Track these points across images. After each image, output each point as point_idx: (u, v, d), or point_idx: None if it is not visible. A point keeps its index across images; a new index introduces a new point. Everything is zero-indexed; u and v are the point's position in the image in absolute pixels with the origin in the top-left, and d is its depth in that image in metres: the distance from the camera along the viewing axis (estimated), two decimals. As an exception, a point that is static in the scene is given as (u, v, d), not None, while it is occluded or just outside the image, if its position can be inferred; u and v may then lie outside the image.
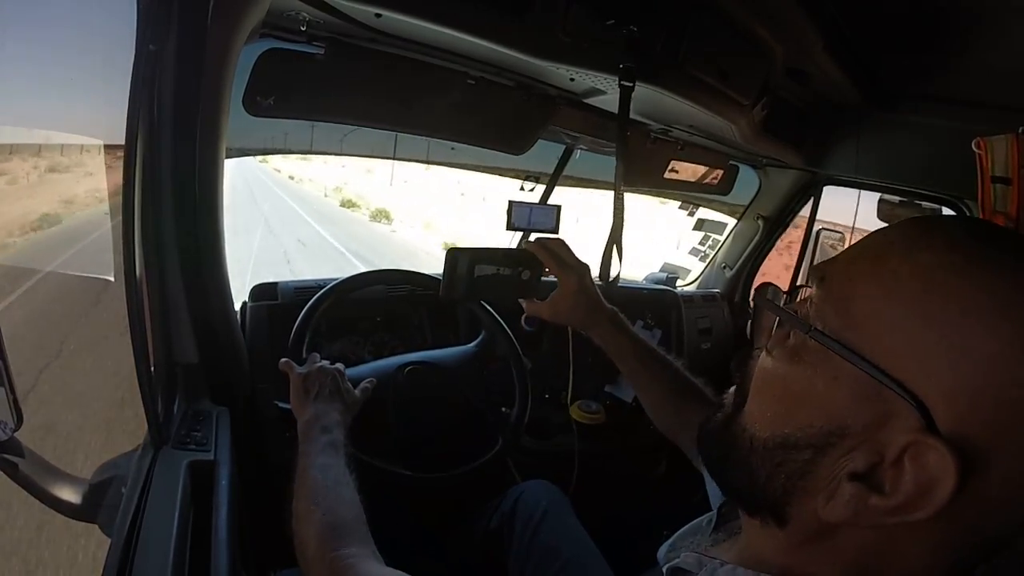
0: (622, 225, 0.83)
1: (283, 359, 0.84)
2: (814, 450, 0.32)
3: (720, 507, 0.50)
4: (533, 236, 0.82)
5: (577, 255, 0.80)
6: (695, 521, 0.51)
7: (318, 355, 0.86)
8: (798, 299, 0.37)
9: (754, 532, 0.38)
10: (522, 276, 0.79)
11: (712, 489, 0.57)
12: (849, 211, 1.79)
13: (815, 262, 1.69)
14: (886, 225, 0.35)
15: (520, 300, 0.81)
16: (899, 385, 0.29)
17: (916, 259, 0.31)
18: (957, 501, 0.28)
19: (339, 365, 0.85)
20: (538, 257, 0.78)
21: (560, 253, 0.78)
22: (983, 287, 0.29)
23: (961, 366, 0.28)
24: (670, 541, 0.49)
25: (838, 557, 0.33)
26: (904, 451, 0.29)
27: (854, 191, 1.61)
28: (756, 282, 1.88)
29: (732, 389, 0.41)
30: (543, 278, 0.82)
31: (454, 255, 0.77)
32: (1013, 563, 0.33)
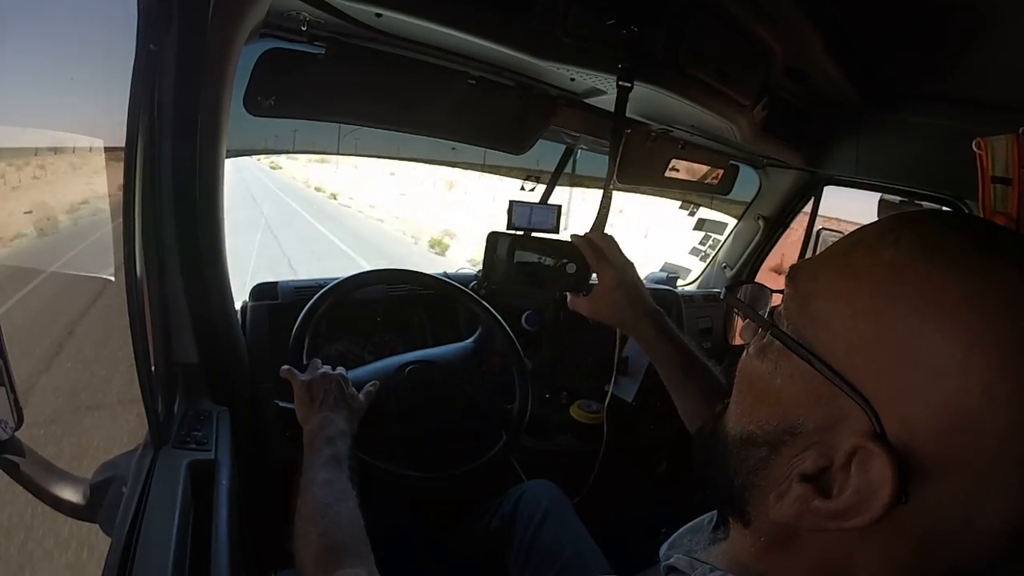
0: (605, 222, 0.83)
1: (284, 367, 0.83)
2: (770, 448, 0.32)
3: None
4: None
5: (624, 253, 0.77)
6: (697, 520, 0.51)
7: (319, 361, 0.86)
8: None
9: (734, 534, 0.38)
10: (567, 269, 0.77)
11: None
12: (857, 212, 1.78)
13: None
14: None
15: (566, 293, 0.79)
16: (850, 387, 0.28)
17: (879, 256, 0.30)
18: (901, 513, 0.27)
19: (341, 370, 0.85)
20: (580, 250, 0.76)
21: (605, 249, 0.75)
22: (941, 291, 0.27)
23: (912, 371, 0.27)
24: (671, 540, 0.49)
25: (803, 564, 0.33)
26: (852, 456, 0.28)
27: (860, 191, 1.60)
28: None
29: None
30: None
31: (494, 238, 0.76)
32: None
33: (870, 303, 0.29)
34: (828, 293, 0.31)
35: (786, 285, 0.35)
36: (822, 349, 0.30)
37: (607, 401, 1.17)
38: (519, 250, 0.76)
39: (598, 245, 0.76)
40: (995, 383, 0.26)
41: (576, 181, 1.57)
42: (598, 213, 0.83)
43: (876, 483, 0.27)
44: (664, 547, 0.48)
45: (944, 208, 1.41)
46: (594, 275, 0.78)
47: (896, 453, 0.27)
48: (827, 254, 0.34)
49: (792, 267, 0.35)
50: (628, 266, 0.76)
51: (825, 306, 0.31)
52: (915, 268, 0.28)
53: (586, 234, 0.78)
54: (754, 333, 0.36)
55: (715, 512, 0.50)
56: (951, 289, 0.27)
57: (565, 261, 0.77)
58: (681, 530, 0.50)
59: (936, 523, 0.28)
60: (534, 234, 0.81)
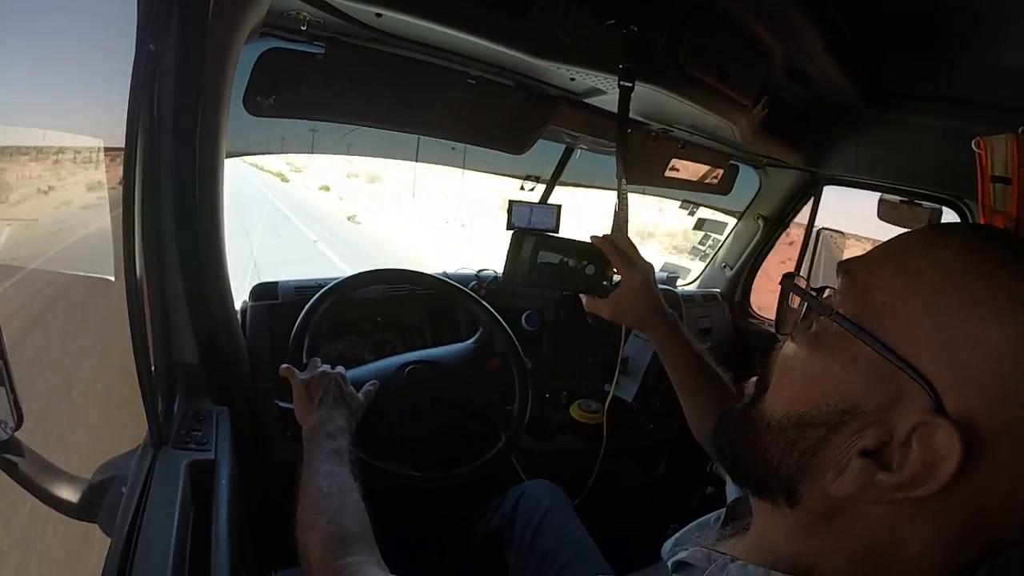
0: (626, 225, 0.82)
1: (284, 365, 0.83)
2: (828, 428, 0.34)
3: (731, 503, 0.50)
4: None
5: (643, 255, 0.77)
6: (703, 518, 0.51)
7: (319, 360, 0.86)
8: (824, 296, 0.39)
9: (764, 517, 0.39)
10: (586, 271, 0.78)
11: (731, 487, 0.57)
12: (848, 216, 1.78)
13: (820, 262, 1.70)
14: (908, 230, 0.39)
15: (581, 295, 0.79)
16: (912, 368, 0.31)
17: (935, 255, 0.34)
18: (959, 483, 0.30)
19: (340, 369, 0.85)
20: (604, 253, 0.76)
21: (627, 251, 0.76)
22: (994, 283, 0.31)
23: (970, 355, 0.30)
24: (676, 536, 0.49)
25: (846, 541, 0.34)
26: (913, 431, 0.31)
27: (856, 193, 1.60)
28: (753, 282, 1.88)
29: (753, 380, 0.42)
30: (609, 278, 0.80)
31: (519, 237, 0.75)
32: (1013, 565, 0.33)
33: (931, 297, 0.32)
34: (889, 287, 0.34)
35: (840, 279, 0.38)
36: (885, 335, 0.33)
37: (608, 401, 1.17)
38: (543, 250, 0.76)
39: (621, 247, 0.76)
40: None
41: (564, 182, 1.56)
42: (616, 215, 0.83)
43: (942, 452, 0.30)
44: (669, 543, 0.48)
45: (945, 208, 1.42)
46: (611, 277, 0.78)
47: (959, 425, 0.30)
48: (879, 254, 0.37)
49: (843, 262, 0.38)
50: (651, 269, 0.76)
51: (887, 298, 0.34)
52: (970, 264, 0.32)
53: (607, 236, 0.78)
54: (809, 325, 0.38)
55: (721, 511, 0.50)
56: (1004, 281, 0.31)
57: (585, 263, 0.78)
58: (686, 528, 0.50)
59: (984, 497, 0.31)
60: (558, 235, 0.81)
